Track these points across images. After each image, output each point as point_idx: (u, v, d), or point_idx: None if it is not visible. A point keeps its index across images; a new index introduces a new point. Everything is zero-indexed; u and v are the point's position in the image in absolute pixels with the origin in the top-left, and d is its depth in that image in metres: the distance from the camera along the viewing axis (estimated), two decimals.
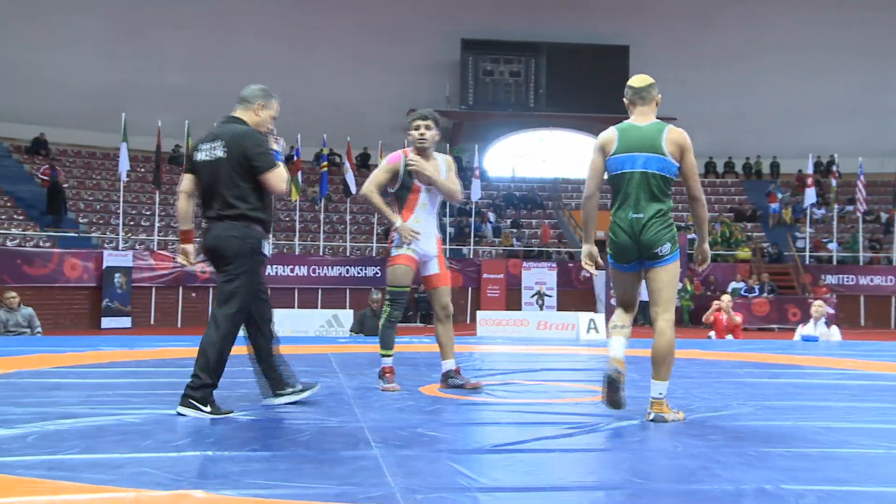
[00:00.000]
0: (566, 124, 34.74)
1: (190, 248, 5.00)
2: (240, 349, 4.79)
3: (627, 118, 4.92)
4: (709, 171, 34.24)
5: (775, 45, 33.86)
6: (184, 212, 4.82)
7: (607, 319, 16.33)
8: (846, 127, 32.89)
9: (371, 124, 31.23)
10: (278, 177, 4.66)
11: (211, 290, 21.54)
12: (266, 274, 20.61)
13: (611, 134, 4.77)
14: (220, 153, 4.61)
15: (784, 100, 33.86)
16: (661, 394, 4.54)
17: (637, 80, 4.93)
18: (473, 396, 5.41)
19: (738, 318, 12.34)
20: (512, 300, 24.09)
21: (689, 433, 4.21)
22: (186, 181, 4.76)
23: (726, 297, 12.53)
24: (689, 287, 24.17)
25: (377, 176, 5.71)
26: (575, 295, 24.53)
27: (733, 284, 24.53)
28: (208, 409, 4.38)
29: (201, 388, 4.42)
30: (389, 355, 5.59)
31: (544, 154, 35.25)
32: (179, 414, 4.38)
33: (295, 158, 24.26)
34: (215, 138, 4.65)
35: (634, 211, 4.72)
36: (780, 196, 30.35)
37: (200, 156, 4.66)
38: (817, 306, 11.73)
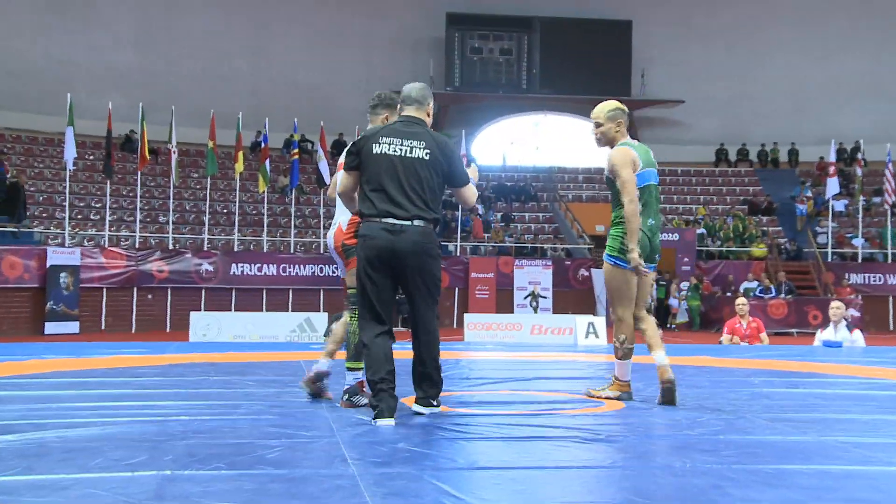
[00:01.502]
0: (562, 108, 34.78)
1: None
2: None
3: (629, 100, 5.32)
4: (720, 159, 34.39)
5: (791, 18, 34.06)
6: (354, 206, 5.03)
7: (608, 323, 16.37)
8: (872, 110, 33.10)
9: (346, 108, 31.14)
10: (472, 192, 5.12)
11: (169, 290, 21.47)
12: (230, 273, 20.35)
13: (633, 151, 5.76)
14: (421, 154, 4.81)
15: (802, 80, 34.05)
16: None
17: (623, 105, 6.01)
18: (460, 408, 5.41)
19: (764, 337, 12.21)
20: (503, 302, 24.12)
21: (699, 448, 4.22)
22: (350, 179, 4.91)
23: (742, 301, 12.44)
24: (695, 286, 24.24)
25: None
26: (572, 296, 24.59)
27: (746, 284, 24.65)
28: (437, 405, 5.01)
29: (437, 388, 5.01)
30: (360, 368, 5.51)
31: (538, 140, 35.31)
32: (417, 413, 4.94)
33: (262, 145, 24.20)
34: (410, 137, 4.83)
35: (654, 219, 5.83)
36: (808, 195, 30.27)
37: (385, 150, 4.79)
38: (835, 308, 11.77)
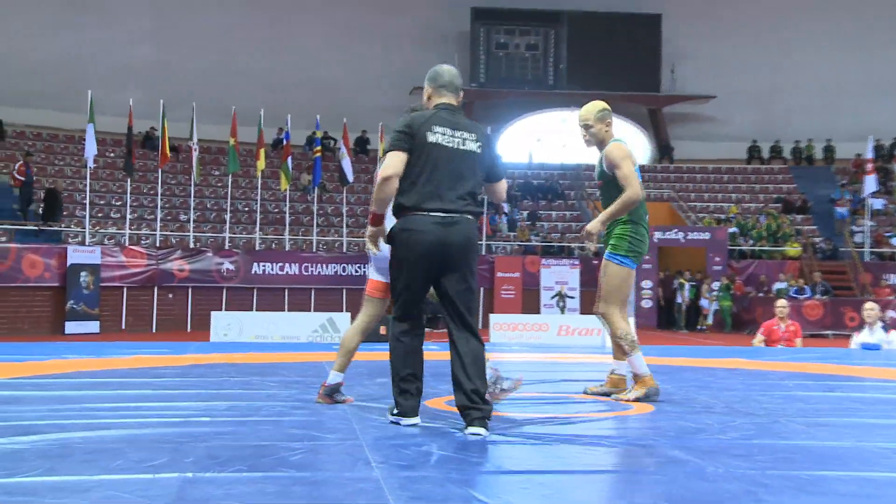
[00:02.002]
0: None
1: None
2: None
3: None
4: (752, 156, 34.15)
5: (826, 8, 33.74)
6: (392, 196, 4.68)
7: (637, 323, 16.24)
8: None
9: (368, 105, 31.22)
10: (505, 187, 5.09)
11: (190, 290, 21.60)
12: (252, 272, 20.45)
13: (629, 146, 6.03)
14: (473, 147, 4.74)
15: (838, 73, 33.75)
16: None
17: (608, 105, 6.19)
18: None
19: (799, 342, 12.09)
20: (529, 302, 24.08)
21: (732, 453, 4.19)
22: (400, 162, 4.62)
23: (783, 303, 12.29)
24: (727, 286, 24.07)
25: None
26: None
27: (779, 284, 24.47)
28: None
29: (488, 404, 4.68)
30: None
31: (565, 138, 35.20)
32: (474, 434, 4.48)
33: (284, 142, 24.29)
34: (461, 128, 4.74)
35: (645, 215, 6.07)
36: (848, 197, 29.98)
37: (438, 139, 4.65)
38: (869, 309, 11.65)
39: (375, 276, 5.43)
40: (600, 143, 6.00)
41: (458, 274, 4.66)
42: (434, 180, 4.62)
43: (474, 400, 4.55)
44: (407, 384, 4.72)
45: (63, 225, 22.73)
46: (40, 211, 22.30)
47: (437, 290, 4.74)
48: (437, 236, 4.59)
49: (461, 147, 4.69)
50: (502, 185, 5.04)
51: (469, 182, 4.71)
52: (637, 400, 5.75)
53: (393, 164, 4.60)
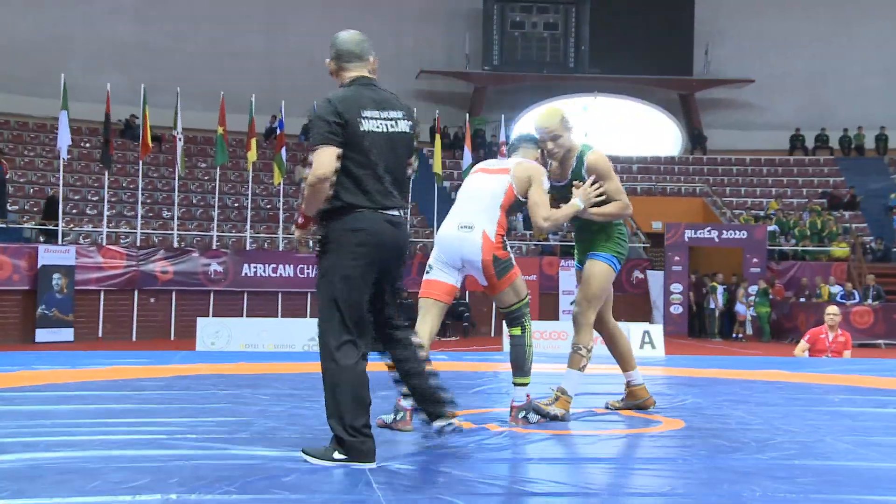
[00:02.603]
0: (615, 89, 34.64)
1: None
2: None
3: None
4: (795, 146, 34.06)
5: None
6: (326, 198, 4.44)
7: (666, 331, 16.16)
8: None
9: None
10: (414, 163, 4.91)
11: (174, 294, 21.65)
12: (242, 274, 20.38)
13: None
14: (406, 128, 4.60)
15: (890, 54, 33.61)
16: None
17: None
18: (500, 427, 5.41)
19: (847, 354, 12.03)
20: (547, 307, 24.06)
21: (772, 475, 4.18)
22: (335, 158, 4.37)
23: (834, 310, 12.19)
24: (765, 291, 23.99)
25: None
26: (625, 301, 24.43)
27: (829, 288, 24.37)
28: None
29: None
30: (528, 383, 5.75)
31: (587, 126, 35.18)
32: (452, 427, 4.66)
33: (278, 132, 24.32)
34: (389, 107, 4.58)
35: None
36: None
37: (373, 126, 4.48)
38: None
39: (442, 278, 5.58)
40: (568, 152, 5.97)
41: (396, 279, 4.63)
42: (376, 174, 4.47)
43: (445, 395, 4.64)
44: (361, 421, 4.29)
45: (34, 222, 22.79)
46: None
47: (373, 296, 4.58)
48: (392, 238, 4.49)
49: (394, 130, 4.54)
50: (412, 162, 4.79)
51: (405, 171, 4.62)
52: (553, 418, 5.67)
53: (327, 162, 4.35)
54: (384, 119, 4.52)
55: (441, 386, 4.71)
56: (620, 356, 6.29)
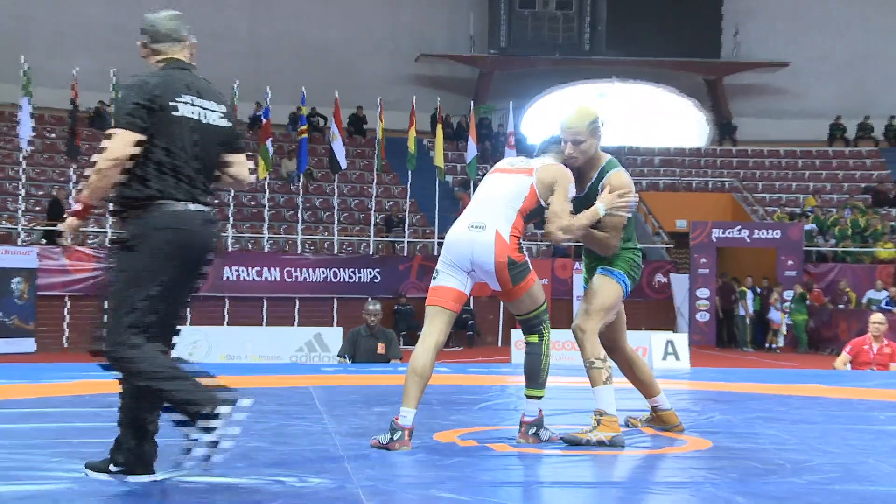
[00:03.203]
0: (634, 74, 34.65)
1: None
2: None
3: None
4: (835, 136, 34.05)
5: None
6: (114, 187, 4.41)
7: (691, 340, 16.07)
8: None
9: (367, 75, 31.26)
10: (247, 162, 4.84)
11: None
12: (223, 278, 20.46)
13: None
14: (219, 121, 4.58)
15: None
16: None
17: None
18: (506, 446, 5.40)
19: (894, 365, 11.99)
20: (559, 314, 23.97)
21: (810, 500, 4.19)
22: (136, 144, 4.33)
23: (880, 318, 12.15)
24: (802, 296, 23.95)
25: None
26: (646, 307, 24.47)
27: (871, 294, 24.34)
28: None
29: None
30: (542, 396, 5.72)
31: (604, 114, 35.16)
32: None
33: (263, 121, 24.31)
34: (205, 95, 4.56)
35: None
36: None
37: (188, 112, 4.46)
38: None
39: (450, 283, 5.54)
40: (588, 162, 5.86)
41: (198, 280, 4.60)
42: (187, 165, 4.44)
43: (154, 446, 4.45)
44: (150, 425, 4.40)
45: None
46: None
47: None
48: (199, 237, 4.48)
49: (209, 122, 4.52)
50: (244, 159, 4.78)
51: (211, 165, 4.59)
52: (600, 444, 5.45)
53: (126, 145, 4.28)
54: (199, 108, 4.50)
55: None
56: (642, 383, 6.22)
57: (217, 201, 26.12)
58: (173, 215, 4.37)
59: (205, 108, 4.51)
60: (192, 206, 4.42)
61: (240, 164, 4.73)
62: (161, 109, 4.36)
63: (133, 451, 4.35)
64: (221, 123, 4.57)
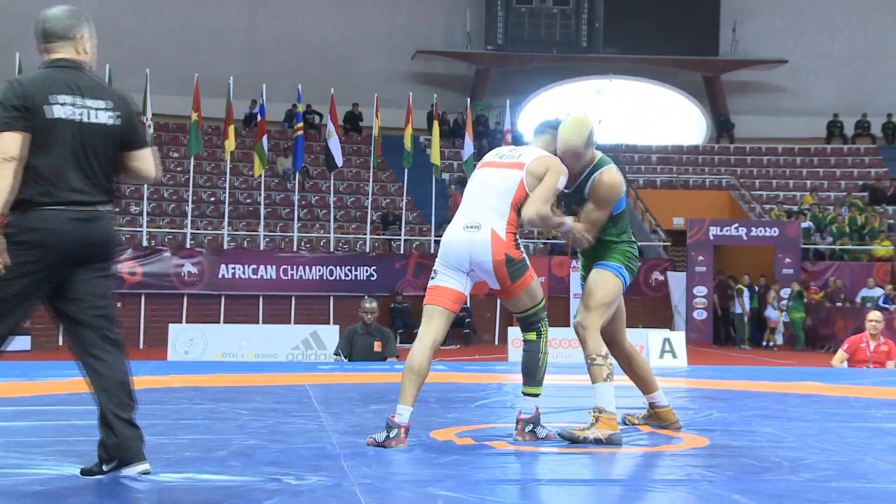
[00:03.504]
0: (632, 71, 34.62)
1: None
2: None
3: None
4: (833, 133, 34.04)
5: None
6: (12, 186, 4.37)
7: (689, 338, 16.13)
8: None
9: (363, 72, 31.22)
10: (155, 159, 4.84)
11: (143, 297, 21.66)
12: (219, 276, 20.43)
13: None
14: (107, 119, 4.55)
15: None
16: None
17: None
18: (503, 443, 5.40)
19: (892, 364, 12.00)
20: (556, 313, 24.00)
21: (807, 498, 4.19)
22: (21, 143, 4.35)
23: (877, 316, 12.17)
24: (799, 294, 23.96)
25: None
26: (643, 305, 24.47)
27: (865, 291, 24.37)
28: None
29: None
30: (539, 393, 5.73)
31: (601, 112, 35.20)
32: (144, 473, 4.37)
33: (258, 118, 24.29)
34: (89, 94, 4.53)
35: None
36: None
37: (63, 113, 4.45)
38: None
39: (449, 284, 5.54)
40: (584, 166, 5.84)
41: (99, 277, 4.55)
42: (62, 167, 4.43)
43: (133, 432, 4.41)
44: (126, 415, 4.41)
45: None
46: None
47: (58, 300, 4.51)
48: (76, 237, 4.44)
49: (91, 121, 4.50)
50: (147, 155, 4.76)
51: (104, 166, 4.58)
52: (597, 442, 5.46)
53: (12, 145, 4.32)
54: (79, 107, 4.48)
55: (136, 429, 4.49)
56: (640, 379, 6.25)
57: (213, 199, 26.16)
58: (42, 218, 4.37)
59: (88, 108, 4.49)
60: (67, 208, 4.41)
61: (142, 161, 4.72)
62: (34, 111, 4.37)
63: (117, 444, 4.34)
64: (110, 122, 4.54)
